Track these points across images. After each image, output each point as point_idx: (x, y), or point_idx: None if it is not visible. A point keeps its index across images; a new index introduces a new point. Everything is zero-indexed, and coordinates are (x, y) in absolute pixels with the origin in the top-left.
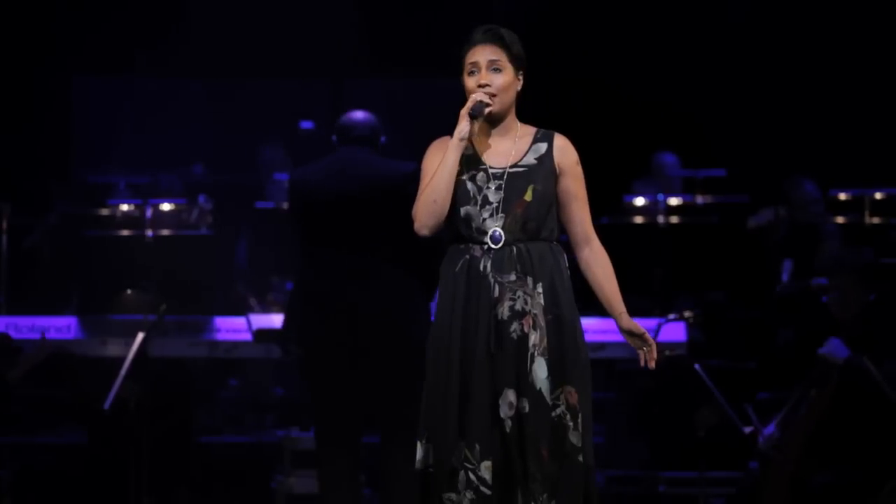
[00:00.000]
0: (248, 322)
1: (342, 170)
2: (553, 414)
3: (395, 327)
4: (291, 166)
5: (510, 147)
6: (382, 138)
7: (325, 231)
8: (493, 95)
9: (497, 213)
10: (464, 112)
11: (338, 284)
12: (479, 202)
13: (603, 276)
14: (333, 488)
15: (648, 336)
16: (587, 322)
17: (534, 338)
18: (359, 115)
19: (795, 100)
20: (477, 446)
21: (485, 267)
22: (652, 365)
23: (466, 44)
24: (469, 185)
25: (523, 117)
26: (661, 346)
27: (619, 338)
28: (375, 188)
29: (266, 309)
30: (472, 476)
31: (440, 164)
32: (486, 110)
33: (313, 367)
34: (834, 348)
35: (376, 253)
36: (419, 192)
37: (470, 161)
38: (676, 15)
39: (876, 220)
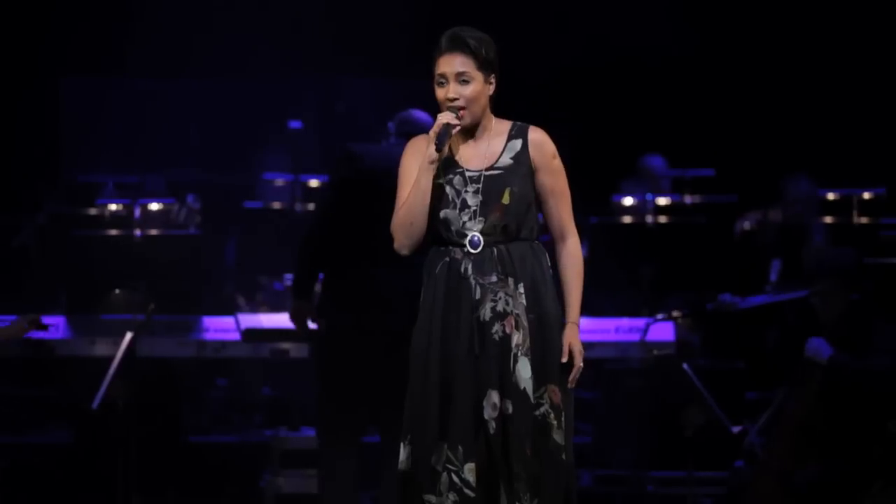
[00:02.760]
0: (237, 322)
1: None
2: (537, 413)
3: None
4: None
5: (485, 148)
6: None
7: (378, 218)
8: (462, 108)
9: (476, 217)
10: (431, 135)
11: (381, 279)
12: (458, 206)
13: (569, 279)
14: (336, 487)
15: (580, 358)
16: None
17: (516, 338)
18: (421, 114)
19: (784, 100)
20: (460, 448)
21: (465, 269)
22: (572, 385)
23: (435, 50)
24: (447, 188)
25: (513, 116)
26: (650, 346)
27: (607, 337)
28: None
29: (255, 309)
30: (454, 478)
31: (414, 187)
32: (455, 130)
33: (333, 358)
34: (816, 348)
35: (415, 256)
36: (396, 202)
37: (447, 165)
38: (667, 14)
39: (864, 220)
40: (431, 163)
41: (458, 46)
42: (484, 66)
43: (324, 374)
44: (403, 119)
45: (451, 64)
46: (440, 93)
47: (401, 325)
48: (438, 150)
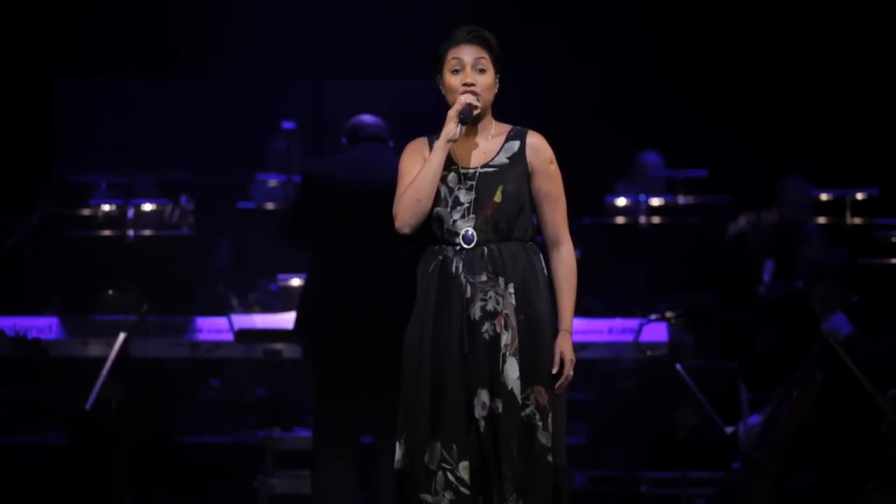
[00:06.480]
0: (230, 322)
1: (365, 166)
2: (523, 414)
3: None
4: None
5: (483, 147)
6: (390, 142)
7: (347, 226)
8: (477, 95)
9: (468, 214)
10: (452, 114)
11: (361, 279)
12: (450, 204)
13: (562, 286)
14: (332, 489)
15: (570, 367)
16: None
17: (505, 338)
18: (367, 117)
19: (778, 100)
20: (454, 447)
21: (457, 268)
22: (559, 392)
23: (448, 42)
24: (441, 186)
25: (505, 114)
26: (643, 347)
27: (600, 338)
28: (394, 182)
29: (248, 309)
30: (450, 476)
31: (425, 164)
32: (475, 112)
33: (326, 360)
34: (837, 323)
35: (398, 250)
36: (397, 191)
37: None
38: (661, 14)
39: (857, 221)
40: (449, 141)
41: (476, 39)
42: (496, 61)
43: (317, 376)
44: (357, 127)
45: (469, 52)
46: (455, 79)
47: (386, 324)
48: (464, 122)
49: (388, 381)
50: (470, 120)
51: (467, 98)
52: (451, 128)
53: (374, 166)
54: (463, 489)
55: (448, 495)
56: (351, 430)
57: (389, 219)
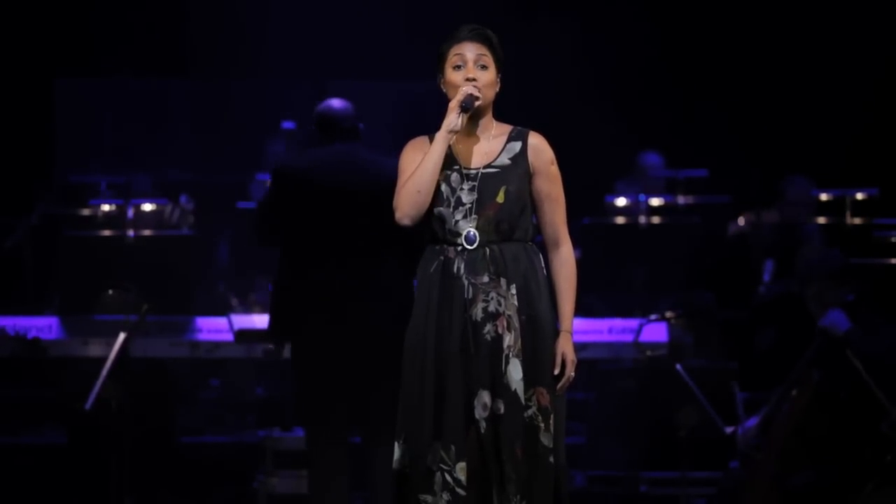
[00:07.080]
0: (230, 322)
1: (339, 165)
2: (525, 415)
3: (387, 325)
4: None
5: (485, 147)
6: (360, 125)
7: (320, 225)
8: (478, 89)
9: (470, 215)
10: (454, 104)
11: (333, 279)
12: (453, 204)
13: (562, 287)
14: (325, 489)
15: (571, 368)
16: None
17: (508, 339)
18: (337, 104)
19: (778, 100)
20: (452, 448)
21: (458, 269)
22: (560, 393)
23: (450, 40)
24: (443, 186)
25: (506, 115)
26: (643, 347)
27: (600, 338)
28: (374, 185)
29: (248, 309)
30: (447, 477)
31: (426, 155)
32: (476, 104)
33: (304, 363)
34: (835, 319)
35: (373, 250)
36: (398, 185)
37: (444, 161)
38: (659, 15)
39: (857, 221)
40: (450, 132)
41: (478, 37)
42: (498, 60)
43: (296, 378)
44: (330, 119)
45: (471, 48)
46: (457, 75)
47: (358, 329)
48: (466, 111)
49: (370, 384)
50: (472, 108)
51: (468, 88)
52: (453, 118)
53: (351, 169)
54: (459, 490)
55: (445, 496)
56: (336, 432)
57: (363, 223)
